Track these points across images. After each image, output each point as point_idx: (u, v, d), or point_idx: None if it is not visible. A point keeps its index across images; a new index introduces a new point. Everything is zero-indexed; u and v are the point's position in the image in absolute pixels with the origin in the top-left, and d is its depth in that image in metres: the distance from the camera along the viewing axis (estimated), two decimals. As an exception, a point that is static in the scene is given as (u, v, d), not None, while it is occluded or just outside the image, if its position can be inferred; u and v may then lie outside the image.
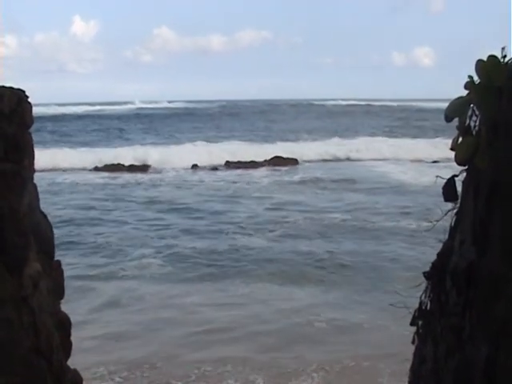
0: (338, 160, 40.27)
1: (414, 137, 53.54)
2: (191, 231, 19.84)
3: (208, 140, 50.30)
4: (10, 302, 3.97)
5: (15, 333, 3.99)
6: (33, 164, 4.46)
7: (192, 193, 27.85)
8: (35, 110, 4.53)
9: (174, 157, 38.23)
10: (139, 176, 33.53)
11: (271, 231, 19.60)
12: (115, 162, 36.76)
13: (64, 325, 4.78)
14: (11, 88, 4.19)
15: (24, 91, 4.28)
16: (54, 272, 4.71)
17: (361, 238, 18.57)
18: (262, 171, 35.24)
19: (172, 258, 16.72)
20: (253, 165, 36.84)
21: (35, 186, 4.54)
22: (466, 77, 2.81)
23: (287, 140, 50.54)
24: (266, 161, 37.87)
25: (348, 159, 40.93)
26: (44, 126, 63.81)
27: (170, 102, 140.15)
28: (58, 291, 4.81)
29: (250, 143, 46.79)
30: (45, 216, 4.68)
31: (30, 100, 4.40)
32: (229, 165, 37.20)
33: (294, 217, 21.56)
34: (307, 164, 38.34)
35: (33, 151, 4.43)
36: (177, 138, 55.98)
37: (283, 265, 15.90)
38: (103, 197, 26.42)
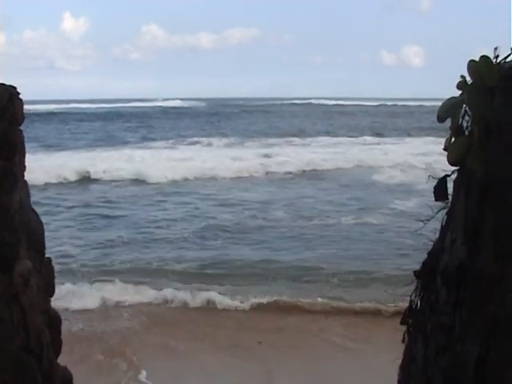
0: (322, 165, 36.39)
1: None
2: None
3: (192, 142, 50.07)
4: (0, 299, 3.96)
5: (6, 331, 3.98)
6: (24, 161, 4.44)
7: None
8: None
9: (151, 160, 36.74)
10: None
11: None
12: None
13: (54, 322, 4.77)
14: (2, 84, 4.17)
15: (15, 88, 4.25)
16: (45, 269, 4.70)
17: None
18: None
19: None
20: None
21: (26, 183, 4.53)
22: (454, 75, 2.83)
23: (274, 141, 50.19)
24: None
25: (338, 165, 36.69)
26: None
27: (157, 99, 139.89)
28: (49, 288, 4.80)
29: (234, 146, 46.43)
30: (35, 213, 4.67)
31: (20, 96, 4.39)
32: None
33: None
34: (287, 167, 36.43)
35: (24, 148, 4.42)
36: (156, 139, 54.94)
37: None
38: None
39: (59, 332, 4.87)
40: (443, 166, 3.05)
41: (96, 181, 31.02)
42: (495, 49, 2.68)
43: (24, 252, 4.19)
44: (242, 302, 13.58)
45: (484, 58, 2.65)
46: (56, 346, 4.77)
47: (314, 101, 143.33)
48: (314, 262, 16.34)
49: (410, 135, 55.51)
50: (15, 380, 4.01)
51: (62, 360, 4.95)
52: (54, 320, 4.77)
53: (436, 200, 3.23)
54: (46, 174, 29.37)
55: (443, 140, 3.02)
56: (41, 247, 4.66)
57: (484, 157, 2.56)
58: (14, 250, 4.08)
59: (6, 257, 4.02)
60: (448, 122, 2.96)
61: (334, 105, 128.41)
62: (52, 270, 4.90)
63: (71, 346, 9.50)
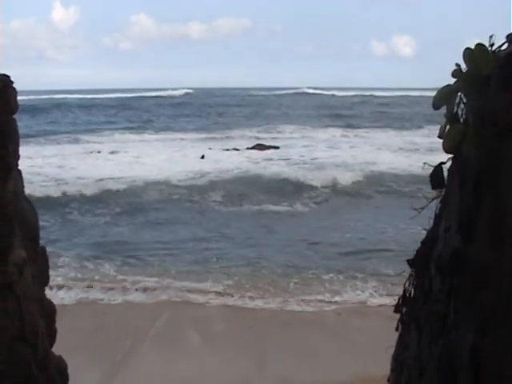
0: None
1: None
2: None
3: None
4: (-6, 289, 3.95)
5: (0, 320, 3.97)
6: (18, 150, 4.42)
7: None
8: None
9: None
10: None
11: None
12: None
13: (49, 311, 4.76)
14: (-4, 73, 4.15)
15: (9, 76, 4.23)
16: (39, 258, 4.69)
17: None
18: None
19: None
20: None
21: (20, 172, 4.50)
22: (445, 65, 2.84)
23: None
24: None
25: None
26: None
27: (147, 89, 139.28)
28: (43, 278, 4.79)
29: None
30: (29, 202, 4.64)
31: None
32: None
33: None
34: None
35: (18, 137, 4.39)
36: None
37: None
38: None
39: (53, 321, 4.86)
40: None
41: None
42: (490, 37, 2.67)
43: (18, 242, 4.17)
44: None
45: (479, 45, 2.65)
46: (50, 335, 4.76)
47: (308, 90, 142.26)
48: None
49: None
50: (10, 369, 4.01)
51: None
52: (48, 309, 4.77)
53: (433, 188, 3.23)
54: None
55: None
56: (35, 236, 4.64)
57: (479, 144, 2.56)
58: (8, 240, 4.06)
59: (0, 247, 4.01)
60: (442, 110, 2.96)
61: (327, 95, 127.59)
62: (46, 258, 4.88)
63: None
